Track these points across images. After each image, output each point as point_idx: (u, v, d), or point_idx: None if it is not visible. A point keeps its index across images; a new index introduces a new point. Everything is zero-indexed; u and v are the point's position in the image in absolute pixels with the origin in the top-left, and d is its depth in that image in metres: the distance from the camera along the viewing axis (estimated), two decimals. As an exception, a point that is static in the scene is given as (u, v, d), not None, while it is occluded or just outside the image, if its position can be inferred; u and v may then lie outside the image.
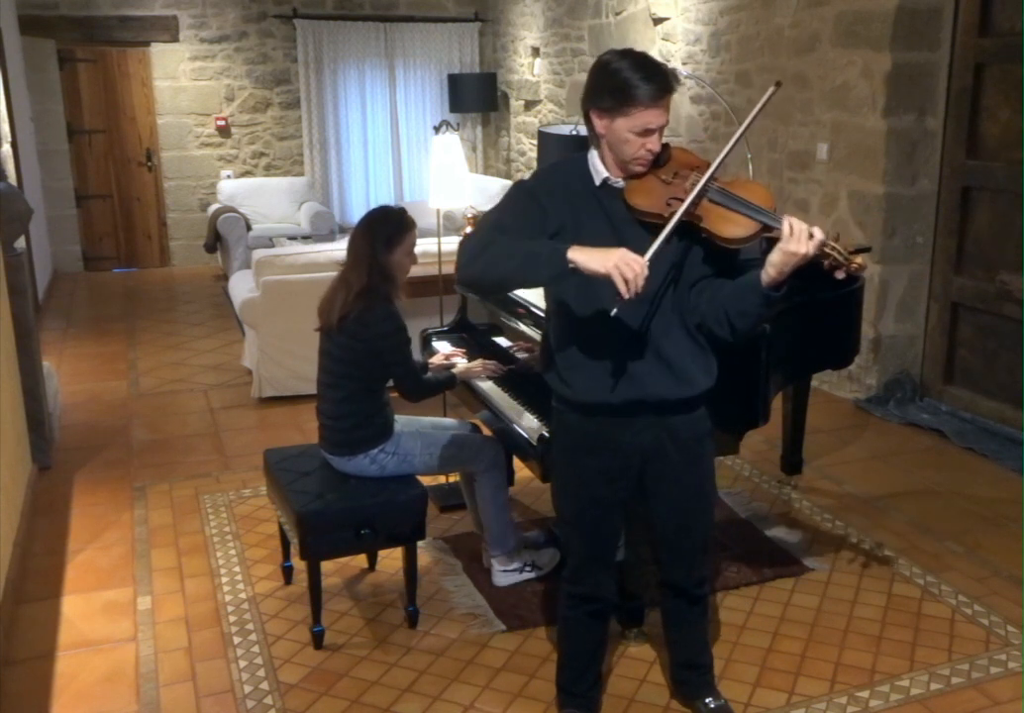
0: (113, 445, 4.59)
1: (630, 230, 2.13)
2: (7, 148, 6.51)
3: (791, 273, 2.01)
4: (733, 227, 2.06)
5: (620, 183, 2.15)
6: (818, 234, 1.97)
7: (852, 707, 2.62)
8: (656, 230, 2.05)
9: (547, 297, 2.32)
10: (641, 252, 1.99)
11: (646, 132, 2.06)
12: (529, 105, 8.94)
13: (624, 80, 2.03)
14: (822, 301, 3.38)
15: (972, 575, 3.31)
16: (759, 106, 2.09)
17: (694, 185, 2.07)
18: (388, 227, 2.93)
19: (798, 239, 1.96)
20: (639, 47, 6.70)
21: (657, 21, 6.61)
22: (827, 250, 1.98)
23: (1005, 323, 4.56)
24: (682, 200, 2.06)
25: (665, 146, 2.15)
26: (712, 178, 2.09)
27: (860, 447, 4.54)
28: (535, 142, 8.08)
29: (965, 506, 3.88)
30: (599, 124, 2.11)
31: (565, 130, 4.95)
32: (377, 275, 2.89)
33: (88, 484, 4.13)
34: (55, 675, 2.79)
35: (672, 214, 2.05)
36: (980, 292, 4.69)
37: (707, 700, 2.54)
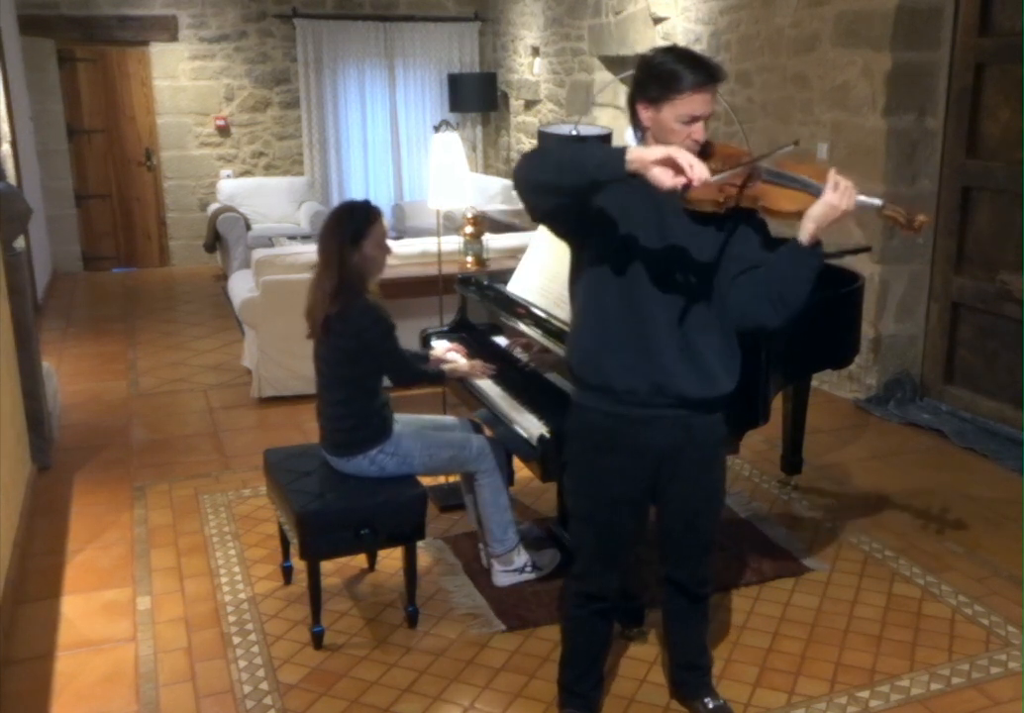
0: (113, 445, 4.58)
1: (676, 222, 2.14)
2: (7, 148, 6.50)
3: (826, 229, 2.05)
4: (790, 202, 2.09)
5: None
6: (853, 190, 2.03)
7: (852, 707, 2.62)
8: (707, 220, 2.12)
9: (575, 274, 2.28)
10: (686, 245, 2.12)
11: (692, 120, 2.07)
12: (529, 105, 8.94)
13: (670, 69, 2.07)
14: (822, 301, 3.38)
15: (972, 575, 3.31)
16: (771, 153, 2.12)
17: (749, 174, 2.10)
18: (353, 222, 2.93)
19: (840, 193, 2.01)
20: (639, 47, 6.75)
21: (657, 21, 6.61)
22: (888, 213, 2.06)
23: (1005, 323, 4.56)
24: (735, 185, 2.08)
25: (708, 142, 2.16)
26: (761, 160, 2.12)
27: (860, 447, 4.54)
28: (535, 142, 8.08)
29: (965, 506, 3.87)
30: (645, 116, 2.13)
31: (565, 130, 4.94)
32: (347, 272, 2.89)
33: (88, 484, 4.12)
34: (55, 675, 2.79)
35: (728, 197, 2.07)
36: (980, 292, 4.69)
37: (706, 700, 2.54)
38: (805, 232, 2.05)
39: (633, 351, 2.18)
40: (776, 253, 2.13)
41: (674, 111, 2.07)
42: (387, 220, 3.08)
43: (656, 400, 2.19)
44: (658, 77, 2.08)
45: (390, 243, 3.06)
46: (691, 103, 2.05)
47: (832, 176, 2.03)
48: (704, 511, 2.38)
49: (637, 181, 1.92)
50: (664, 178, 1.85)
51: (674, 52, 2.12)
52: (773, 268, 2.12)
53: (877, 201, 2.06)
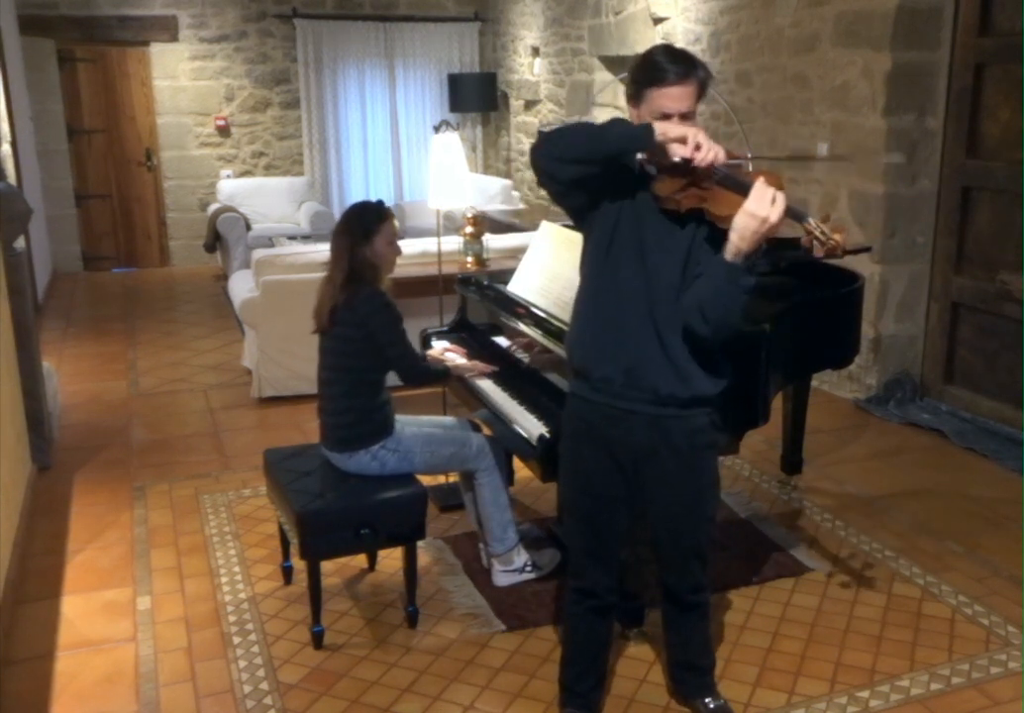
0: (113, 445, 4.58)
1: (653, 219, 2.15)
2: (7, 148, 6.50)
3: (755, 246, 1.99)
4: (731, 207, 2.03)
5: (652, 170, 2.17)
6: (782, 202, 1.96)
7: (852, 707, 2.62)
8: (681, 221, 2.12)
9: (581, 267, 2.31)
10: (659, 244, 2.13)
11: (663, 117, 2.07)
12: (529, 105, 8.94)
13: (648, 64, 2.09)
14: (822, 301, 3.38)
15: (972, 575, 3.31)
16: (815, 157, 2.12)
17: (705, 171, 2.07)
18: (364, 220, 2.98)
19: (760, 201, 1.95)
20: (639, 47, 6.74)
21: (657, 21, 6.61)
22: (807, 227, 1.98)
23: (1005, 323, 4.56)
24: (695, 183, 2.07)
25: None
26: (729, 167, 2.10)
27: (860, 447, 4.54)
28: (535, 142, 8.07)
29: (965, 506, 3.87)
30: (632, 114, 2.16)
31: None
32: (358, 264, 2.93)
33: (88, 484, 4.12)
34: (55, 675, 2.79)
35: (681, 200, 2.07)
36: (980, 292, 4.69)
37: (706, 700, 2.55)
38: (729, 243, 2.01)
39: (609, 341, 2.20)
40: (708, 264, 2.09)
41: (648, 108, 2.09)
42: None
43: (630, 392, 2.20)
44: (638, 73, 2.12)
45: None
46: (662, 99, 2.06)
47: (759, 184, 1.97)
48: (687, 517, 2.35)
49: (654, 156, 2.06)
50: (679, 151, 2.00)
51: (664, 47, 2.15)
52: (702, 279, 2.09)
53: (804, 215, 2.00)
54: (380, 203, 3.07)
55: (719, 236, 2.10)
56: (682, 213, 2.11)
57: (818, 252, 1.99)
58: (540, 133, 2.19)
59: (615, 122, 2.07)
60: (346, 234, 2.97)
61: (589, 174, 2.08)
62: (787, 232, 2.16)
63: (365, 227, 2.96)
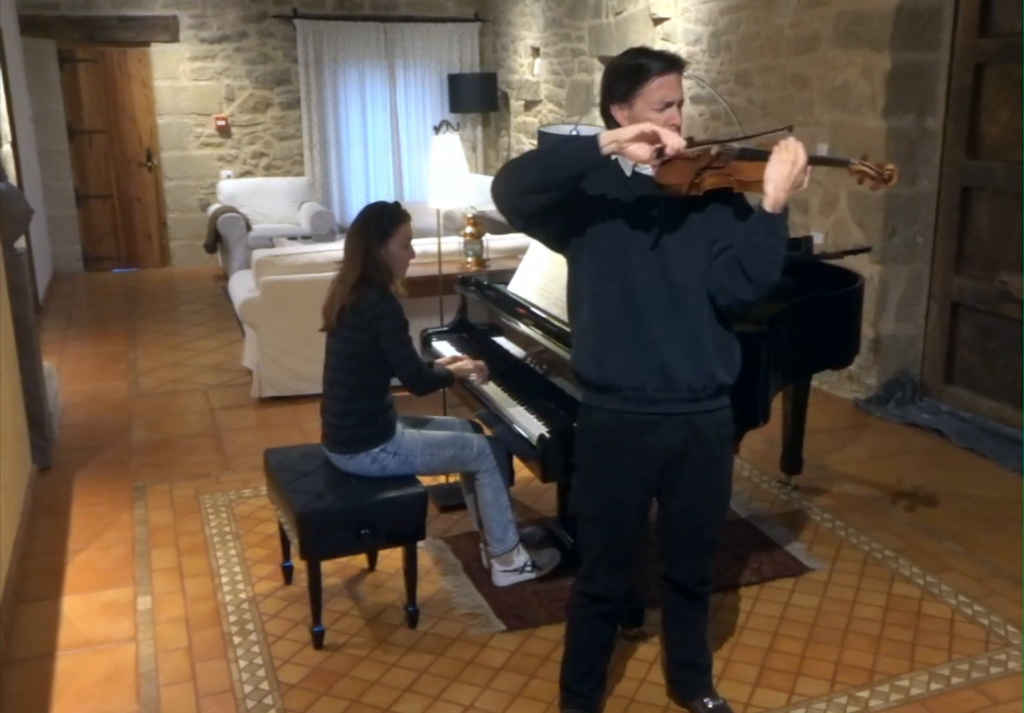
0: (113, 445, 4.59)
1: (661, 215, 2.17)
2: (7, 148, 6.51)
3: (791, 192, 2.06)
4: (760, 171, 2.10)
5: (647, 170, 2.18)
6: (800, 146, 2.06)
7: (852, 707, 2.62)
8: (689, 208, 2.17)
9: (573, 283, 2.30)
10: (672, 236, 2.16)
11: (665, 106, 2.13)
12: (529, 105, 8.94)
13: (632, 64, 2.15)
14: (822, 301, 3.39)
15: (972, 575, 3.31)
16: (758, 134, 2.22)
17: (719, 152, 2.14)
18: (381, 221, 2.96)
19: (783, 150, 2.04)
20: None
21: (657, 21, 6.61)
22: (858, 168, 2.09)
23: (1005, 323, 4.56)
24: (709, 166, 2.12)
25: (689, 138, 2.17)
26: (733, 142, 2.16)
27: (860, 447, 4.54)
28: (535, 142, 8.08)
29: (965, 506, 3.88)
30: (621, 117, 2.17)
31: (565, 130, 4.95)
32: (371, 266, 2.92)
33: (88, 484, 4.13)
34: (55, 675, 2.79)
35: (700, 181, 2.11)
36: (980, 292, 4.69)
37: (705, 700, 2.54)
38: (766, 197, 2.07)
39: (635, 349, 2.19)
40: (745, 224, 2.14)
41: (646, 100, 2.13)
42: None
43: (664, 395, 2.20)
44: (623, 75, 2.16)
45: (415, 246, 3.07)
46: (661, 88, 2.12)
47: (779, 141, 2.08)
48: (708, 510, 2.38)
49: (614, 166, 2.06)
50: (641, 152, 1.99)
51: (631, 51, 2.21)
52: (742, 239, 2.13)
53: (845, 159, 2.11)
54: (397, 205, 3.05)
55: (738, 208, 2.21)
56: (700, 196, 2.14)
57: (877, 186, 2.11)
58: (498, 171, 2.23)
59: (563, 142, 2.09)
60: (361, 234, 2.95)
61: (554, 200, 2.09)
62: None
63: (381, 228, 2.94)
